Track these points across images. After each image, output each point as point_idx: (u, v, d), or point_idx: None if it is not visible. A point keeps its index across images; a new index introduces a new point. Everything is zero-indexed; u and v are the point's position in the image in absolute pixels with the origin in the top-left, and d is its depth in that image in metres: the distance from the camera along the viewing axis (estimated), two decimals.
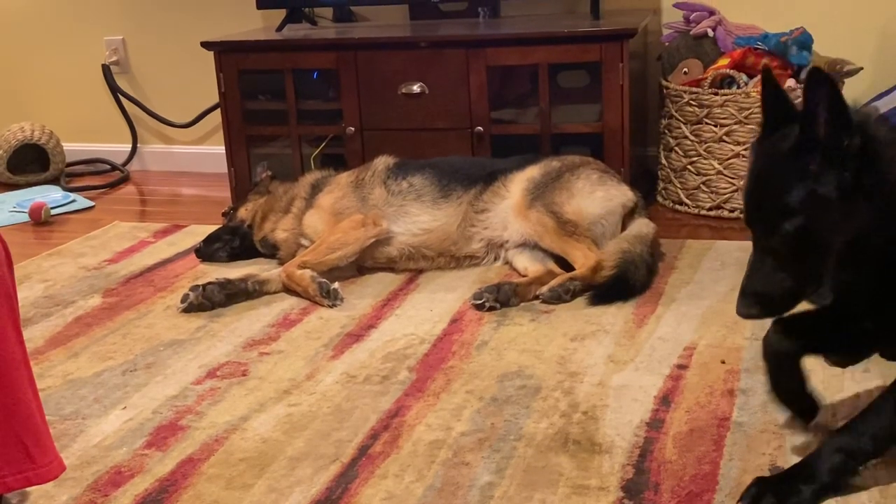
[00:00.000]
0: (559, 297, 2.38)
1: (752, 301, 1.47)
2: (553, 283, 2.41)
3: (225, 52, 3.27)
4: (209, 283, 2.48)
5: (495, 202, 2.64)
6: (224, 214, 2.99)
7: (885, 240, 1.43)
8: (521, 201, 2.58)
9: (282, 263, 2.66)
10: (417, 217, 2.66)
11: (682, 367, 2.01)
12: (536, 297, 2.41)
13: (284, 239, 2.74)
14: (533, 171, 2.64)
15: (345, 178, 2.78)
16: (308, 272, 2.51)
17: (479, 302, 2.37)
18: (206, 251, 2.82)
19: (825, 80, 1.36)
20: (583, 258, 2.46)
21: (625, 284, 2.39)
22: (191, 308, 2.45)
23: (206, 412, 1.93)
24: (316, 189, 2.78)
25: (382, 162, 2.78)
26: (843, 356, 1.70)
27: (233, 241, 2.83)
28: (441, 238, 2.65)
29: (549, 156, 2.78)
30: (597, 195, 2.57)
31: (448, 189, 2.68)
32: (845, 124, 1.37)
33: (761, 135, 1.51)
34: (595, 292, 2.39)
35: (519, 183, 2.63)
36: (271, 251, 2.79)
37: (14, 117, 4.05)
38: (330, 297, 2.45)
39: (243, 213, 2.88)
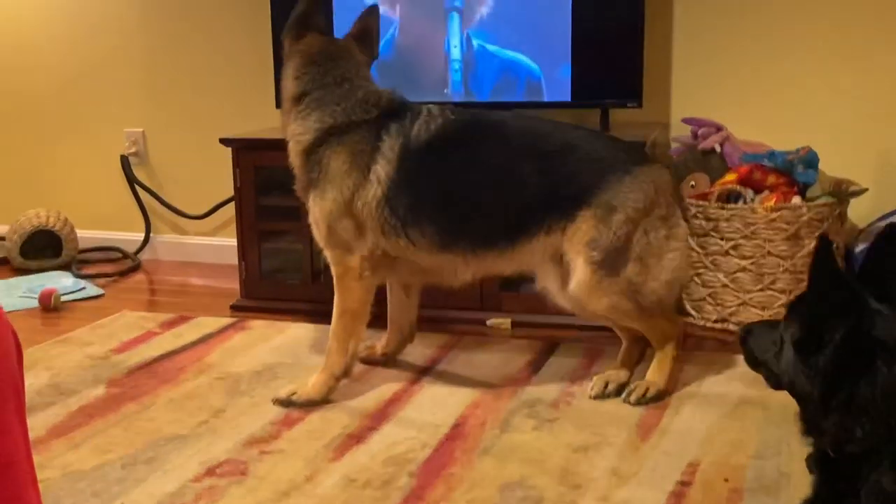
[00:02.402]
0: (639, 403, 2.43)
1: (744, 342, 1.75)
2: (637, 390, 2.44)
3: (242, 149, 3.34)
4: None
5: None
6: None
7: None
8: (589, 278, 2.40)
9: None
10: None
11: (685, 483, 1.99)
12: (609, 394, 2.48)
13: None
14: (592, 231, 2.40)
15: None
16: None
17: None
18: None
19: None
20: (662, 338, 2.50)
21: None
22: None
23: None
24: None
25: None
26: None
27: None
28: None
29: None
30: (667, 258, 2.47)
31: None
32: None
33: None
34: None
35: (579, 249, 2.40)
36: None
37: (31, 203, 4.10)
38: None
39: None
